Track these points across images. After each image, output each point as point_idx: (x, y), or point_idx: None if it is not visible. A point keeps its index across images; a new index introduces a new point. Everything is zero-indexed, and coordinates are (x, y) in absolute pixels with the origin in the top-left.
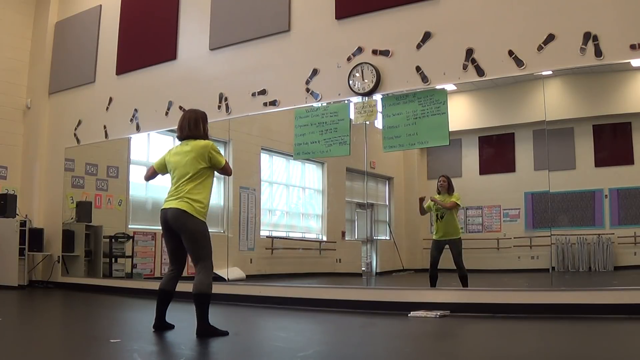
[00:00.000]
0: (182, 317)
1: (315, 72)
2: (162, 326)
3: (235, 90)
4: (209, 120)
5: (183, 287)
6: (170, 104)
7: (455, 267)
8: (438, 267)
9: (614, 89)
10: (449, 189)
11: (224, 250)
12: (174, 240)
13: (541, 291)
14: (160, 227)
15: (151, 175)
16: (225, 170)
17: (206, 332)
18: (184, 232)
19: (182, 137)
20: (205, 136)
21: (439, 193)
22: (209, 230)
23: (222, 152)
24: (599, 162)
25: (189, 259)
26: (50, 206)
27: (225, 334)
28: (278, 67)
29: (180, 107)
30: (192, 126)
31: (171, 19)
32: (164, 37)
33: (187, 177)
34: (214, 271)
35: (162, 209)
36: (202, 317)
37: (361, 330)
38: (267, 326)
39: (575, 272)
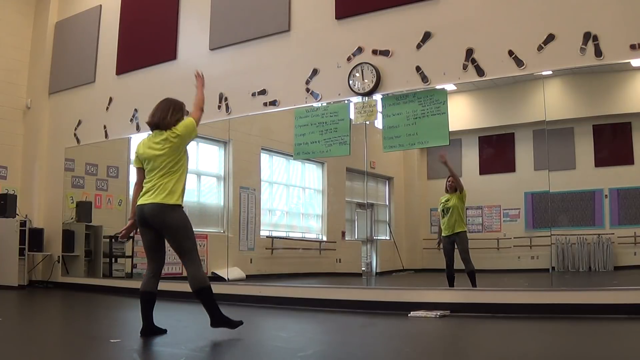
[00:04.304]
0: (181, 317)
1: (315, 72)
2: (152, 331)
3: (235, 90)
4: (210, 120)
5: (182, 286)
6: None
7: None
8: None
9: (614, 89)
10: (455, 189)
11: (224, 250)
12: (149, 235)
13: (541, 291)
14: None
15: (140, 178)
16: (197, 114)
17: (221, 322)
18: (164, 228)
19: (151, 124)
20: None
21: (447, 192)
22: (210, 229)
23: (221, 152)
24: (599, 162)
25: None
26: (50, 206)
27: (239, 323)
28: (278, 67)
29: None
30: (165, 114)
31: (171, 19)
32: (164, 37)
33: (162, 169)
34: (214, 271)
35: (138, 205)
36: (212, 309)
37: (361, 330)
38: (267, 326)
39: (575, 272)
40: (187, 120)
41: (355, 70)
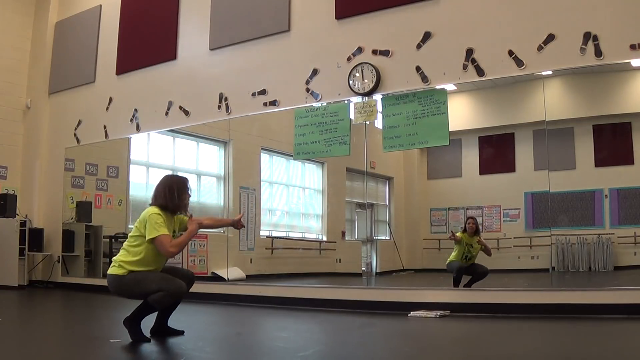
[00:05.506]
0: (180, 318)
1: (315, 72)
2: (164, 331)
3: (235, 90)
4: (210, 120)
5: None
6: (170, 104)
7: (478, 270)
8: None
9: (614, 89)
10: (476, 231)
11: (224, 250)
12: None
13: (541, 291)
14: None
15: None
16: (161, 250)
17: (128, 326)
18: (122, 296)
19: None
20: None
21: (464, 232)
22: (210, 229)
23: (221, 152)
24: (599, 162)
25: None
26: (50, 206)
27: (145, 340)
28: (278, 67)
29: (180, 107)
30: (163, 199)
31: (171, 19)
32: (164, 37)
33: (128, 238)
34: (214, 271)
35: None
36: (136, 312)
37: (361, 330)
38: (267, 326)
39: (575, 272)
40: (148, 228)
41: (355, 70)
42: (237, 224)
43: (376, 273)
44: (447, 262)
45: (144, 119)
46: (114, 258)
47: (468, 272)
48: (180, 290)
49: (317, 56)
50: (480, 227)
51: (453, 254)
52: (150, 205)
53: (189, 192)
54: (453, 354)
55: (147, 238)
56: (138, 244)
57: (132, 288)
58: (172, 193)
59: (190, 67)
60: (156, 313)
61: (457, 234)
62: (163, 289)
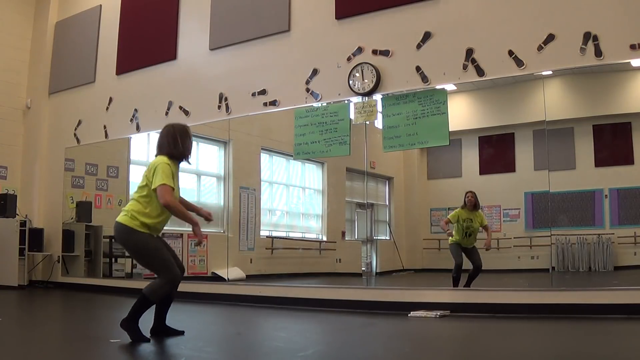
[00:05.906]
0: (180, 318)
1: (315, 72)
2: (163, 332)
3: (235, 90)
4: (210, 120)
5: (181, 287)
6: (170, 104)
7: (473, 266)
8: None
9: (614, 89)
10: (475, 205)
11: (224, 250)
12: None
13: (541, 291)
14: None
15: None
16: (159, 195)
17: (126, 327)
18: (126, 249)
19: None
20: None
21: (464, 206)
22: (210, 229)
23: (221, 152)
24: (599, 162)
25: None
26: (50, 206)
27: (143, 339)
28: (278, 67)
29: (180, 107)
30: (166, 146)
31: (171, 19)
32: (164, 37)
33: (137, 189)
34: (214, 271)
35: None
36: (134, 312)
37: (361, 330)
38: (267, 326)
39: (575, 272)
40: (156, 175)
41: (355, 70)
42: (204, 216)
43: (376, 273)
44: (449, 244)
45: (144, 119)
46: (124, 207)
47: (466, 254)
48: (176, 281)
49: (317, 56)
50: (479, 202)
51: (453, 233)
52: (157, 155)
53: (191, 138)
54: (453, 354)
55: (152, 186)
56: (146, 194)
57: (139, 249)
58: (176, 141)
59: (190, 67)
60: (154, 313)
61: (448, 217)
62: (163, 275)
